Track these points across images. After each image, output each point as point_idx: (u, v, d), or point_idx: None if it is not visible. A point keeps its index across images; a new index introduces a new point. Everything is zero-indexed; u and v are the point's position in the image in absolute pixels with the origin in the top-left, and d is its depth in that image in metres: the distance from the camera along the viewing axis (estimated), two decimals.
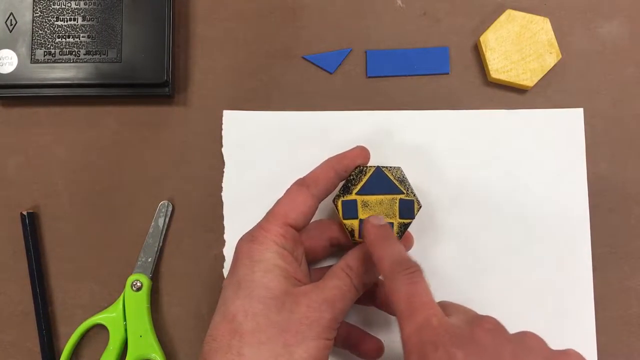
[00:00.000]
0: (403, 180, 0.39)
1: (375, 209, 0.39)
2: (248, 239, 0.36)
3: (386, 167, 0.39)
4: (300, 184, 0.38)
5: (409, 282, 0.33)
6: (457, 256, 0.44)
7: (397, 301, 0.33)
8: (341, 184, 0.40)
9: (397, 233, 0.38)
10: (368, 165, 0.40)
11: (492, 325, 0.31)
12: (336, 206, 0.39)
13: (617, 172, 0.45)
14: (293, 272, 0.36)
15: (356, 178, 0.39)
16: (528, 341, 0.31)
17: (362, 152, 0.40)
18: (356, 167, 0.39)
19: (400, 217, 0.39)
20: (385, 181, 0.39)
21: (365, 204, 0.39)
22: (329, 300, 0.34)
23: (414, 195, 0.39)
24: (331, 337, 0.35)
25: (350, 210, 0.39)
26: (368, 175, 0.39)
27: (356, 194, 0.39)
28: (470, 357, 0.29)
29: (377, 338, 0.41)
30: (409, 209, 0.39)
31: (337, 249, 0.42)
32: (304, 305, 0.34)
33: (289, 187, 0.38)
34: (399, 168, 0.39)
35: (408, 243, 0.42)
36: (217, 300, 0.44)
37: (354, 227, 0.39)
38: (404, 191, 0.39)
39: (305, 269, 0.39)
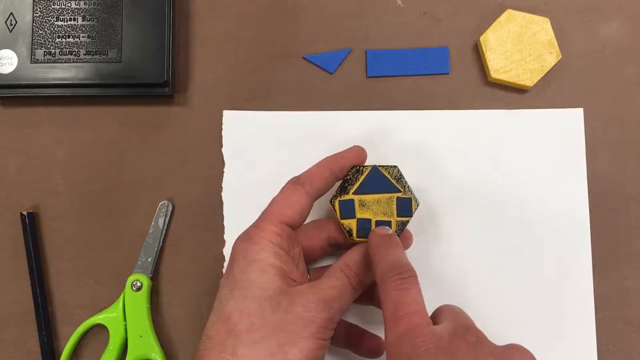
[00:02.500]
0: (400, 179, 0.39)
1: (373, 208, 0.39)
2: (244, 239, 0.36)
3: (383, 166, 0.39)
4: (295, 182, 0.38)
5: (399, 288, 0.32)
6: (456, 256, 0.44)
7: (385, 308, 0.32)
8: (338, 183, 0.40)
9: (396, 231, 0.38)
10: (365, 164, 0.40)
11: (475, 338, 0.30)
12: (333, 206, 0.39)
13: (617, 172, 0.45)
14: (288, 271, 0.36)
15: (353, 178, 0.39)
16: (514, 355, 0.30)
17: (359, 153, 0.40)
18: (352, 167, 0.39)
19: (398, 216, 0.39)
20: (382, 180, 0.39)
21: (362, 204, 0.39)
22: (325, 300, 0.34)
23: (412, 193, 0.39)
24: (326, 337, 0.35)
25: (348, 210, 0.39)
26: (365, 174, 0.39)
27: (353, 193, 0.39)
28: None
29: (377, 336, 0.41)
30: (406, 207, 0.39)
31: (336, 249, 0.42)
32: (300, 304, 0.34)
33: (283, 185, 0.38)
34: (395, 167, 0.39)
35: (407, 242, 0.42)
36: None
37: (351, 227, 0.39)
38: (401, 189, 0.39)
39: (302, 268, 0.39)
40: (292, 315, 0.34)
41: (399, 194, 0.39)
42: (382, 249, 0.35)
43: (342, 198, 0.39)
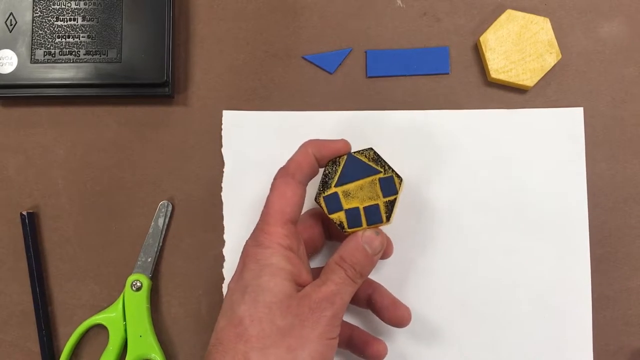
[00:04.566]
0: (378, 160, 0.38)
1: (358, 195, 0.38)
2: (254, 244, 0.36)
3: (358, 152, 0.39)
4: (285, 174, 0.38)
5: None
6: (456, 255, 0.44)
7: None
8: (319, 179, 0.39)
9: (385, 213, 0.38)
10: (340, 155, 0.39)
11: None
12: (319, 204, 0.39)
13: (617, 172, 0.45)
14: (298, 273, 0.36)
15: (332, 170, 0.39)
16: None
17: (345, 147, 0.39)
18: (329, 161, 0.39)
19: (384, 196, 0.38)
20: (360, 165, 0.38)
21: (346, 194, 0.38)
22: (327, 297, 0.34)
23: (393, 171, 0.38)
24: (334, 335, 0.35)
25: (334, 203, 0.38)
26: (342, 164, 0.38)
27: (335, 186, 0.38)
28: None
29: (380, 340, 0.41)
30: (390, 186, 0.38)
31: (334, 236, 0.42)
32: (306, 307, 0.34)
33: (274, 179, 0.38)
34: (371, 149, 0.39)
35: (390, 249, 0.42)
36: (217, 300, 0.44)
37: (341, 220, 0.38)
38: (381, 170, 0.38)
39: (307, 266, 0.39)
40: (300, 319, 0.34)
41: (380, 175, 0.38)
42: None
43: (326, 193, 0.39)
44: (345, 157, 0.39)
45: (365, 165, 0.38)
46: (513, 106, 0.46)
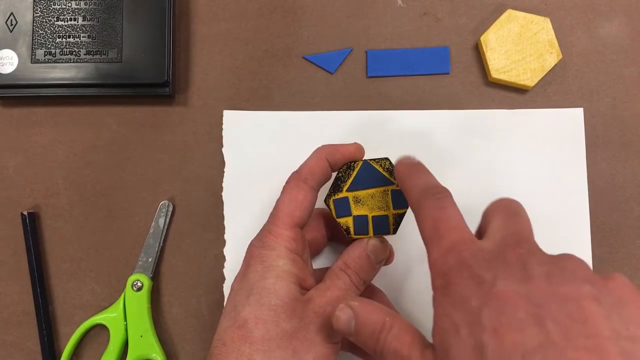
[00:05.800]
0: (393, 171, 0.38)
1: (368, 203, 0.38)
2: (260, 245, 0.36)
3: (374, 160, 0.38)
4: (297, 178, 0.37)
5: (436, 207, 0.31)
6: None
7: (424, 228, 0.31)
8: (331, 181, 0.39)
9: (393, 225, 0.38)
10: (355, 160, 0.39)
11: (525, 250, 0.28)
12: (328, 205, 0.38)
13: (617, 172, 0.45)
14: (303, 277, 0.36)
15: (345, 175, 0.38)
16: (566, 263, 0.28)
17: (358, 151, 0.39)
18: (344, 164, 0.39)
19: (394, 208, 0.38)
20: (374, 174, 0.38)
21: (357, 200, 0.38)
22: (331, 302, 0.35)
23: None
24: (338, 339, 0.35)
25: (343, 208, 0.38)
26: (356, 170, 0.38)
27: (347, 190, 0.38)
28: (498, 279, 0.26)
29: None
30: (401, 198, 0.38)
31: (336, 236, 0.42)
32: (311, 310, 0.34)
33: (286, 183, 0.38)
34: (387, 159, 0.38)
35: (391, 257, 0.42)
36: (218, 300, 0.44)
37: (348, 225, 0.38)
38: (395, 181, 0.38)
39: (311, 269, 0.39)
40: (305, 322, 0.34)
41: (393, 187, 0.38)
42: (411, 175, 0.35)
43: (336, 197, 0.38)
44: (360, 163, 0.38)
45: (380, 174, 0.38)
46: (513, 106, 0.46)
